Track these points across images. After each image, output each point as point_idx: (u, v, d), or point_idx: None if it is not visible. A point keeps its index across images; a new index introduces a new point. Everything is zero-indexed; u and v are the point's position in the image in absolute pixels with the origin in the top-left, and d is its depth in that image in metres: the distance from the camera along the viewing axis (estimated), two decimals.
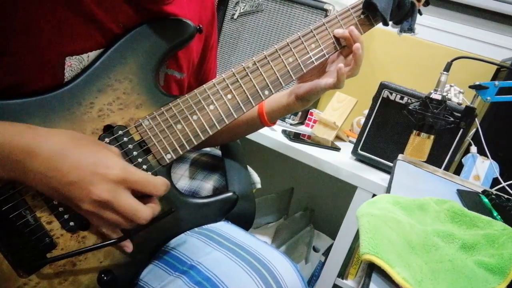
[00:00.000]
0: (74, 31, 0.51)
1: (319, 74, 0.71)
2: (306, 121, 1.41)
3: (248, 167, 0.85)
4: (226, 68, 1.37)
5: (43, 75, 0.51)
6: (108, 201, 0.46)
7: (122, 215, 0.47)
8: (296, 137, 1.17)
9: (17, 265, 0.49)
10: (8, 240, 0.48)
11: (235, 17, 1.31)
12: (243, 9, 1.29)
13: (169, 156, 0.57)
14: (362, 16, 0.67)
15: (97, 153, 0.47)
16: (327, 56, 0.66)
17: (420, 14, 0.73)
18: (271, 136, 1.14)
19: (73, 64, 0.52)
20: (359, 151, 1.09)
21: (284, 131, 1.20)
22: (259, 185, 0.89)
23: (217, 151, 0.93)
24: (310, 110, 1.41)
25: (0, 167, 0.44)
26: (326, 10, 1.18)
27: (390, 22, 0.69)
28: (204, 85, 0.59)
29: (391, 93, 1.02)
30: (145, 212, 0.48)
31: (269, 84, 0.62)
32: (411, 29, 0.71)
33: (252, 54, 1.31)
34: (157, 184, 0.50)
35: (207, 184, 0.81)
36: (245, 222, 0.70)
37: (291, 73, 0.64)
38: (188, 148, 0.59)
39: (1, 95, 0.48)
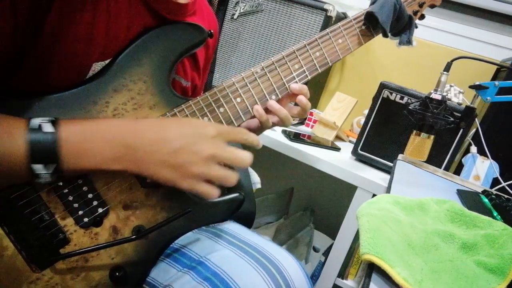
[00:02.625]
0: (102, 39, 0.52)
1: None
2: (306, 121, 1.41)
3: (248, 167, 0.85)
4: (226, 68, 1.37)
5: (68, 79, 0.52)
6: (213, 154, 0.50)
7: (226, 165, 0.52)
8: (296, 137, 1.17)
9: (30, 260, 0.49)
10: (22, 235, 0.49)
11: (235, 17, 1.31)
12: (243, 9, 1.29)
13: None
14: (363, 27, 0.71)
15: (191, 120, 0.57)
16: (330, 64, 0.69)
17: (416, 27, 0.77)
18: (271, 136, 1.14)
19: (96, 69, 0.54)
20: (359, 151, 1.09)
21: (284, 131, 1.20)
22: (259, 185, 0.89)
23: None
24: (310, 110, 1.40)
25: (112, 154, 0.48)
26: (326, 10, 1.18)
27: (389, 34, 0.73)
28: (214, 88, 0.61)
29: (391, 93, 1.02)
30: (244, 154, 0.53)
31: (276, 89, 0.65)
32: (409, 42, 0.75)
33: (252, 54, 1.31)
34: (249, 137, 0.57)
35: None
36: (246, 222, 0.70)
37: (296, 79, 0.67)
38: None
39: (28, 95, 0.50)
